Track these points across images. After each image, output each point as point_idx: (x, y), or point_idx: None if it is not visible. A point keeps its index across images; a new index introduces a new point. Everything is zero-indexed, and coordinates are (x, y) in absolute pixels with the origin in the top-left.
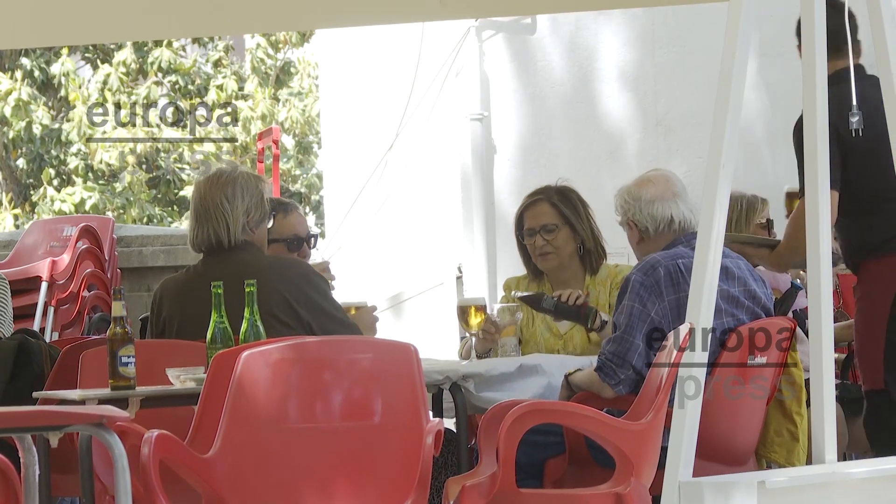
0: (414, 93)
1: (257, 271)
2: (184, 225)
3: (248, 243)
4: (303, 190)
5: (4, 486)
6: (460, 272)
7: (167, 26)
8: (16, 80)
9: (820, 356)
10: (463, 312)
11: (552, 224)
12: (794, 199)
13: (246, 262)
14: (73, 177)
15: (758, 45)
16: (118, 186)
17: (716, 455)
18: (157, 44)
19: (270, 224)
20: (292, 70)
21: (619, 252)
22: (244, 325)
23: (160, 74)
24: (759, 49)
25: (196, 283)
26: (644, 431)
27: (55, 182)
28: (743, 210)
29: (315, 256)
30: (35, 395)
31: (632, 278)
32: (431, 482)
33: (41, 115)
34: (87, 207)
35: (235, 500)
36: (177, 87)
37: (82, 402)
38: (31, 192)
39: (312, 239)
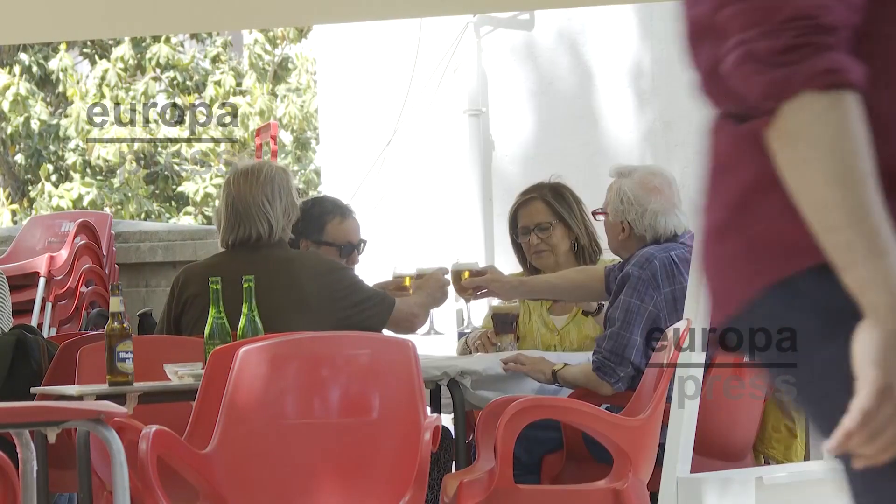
0: (412, 89)
1: (286, 266)
2: (182, 220)
3: (282, 240)
4: (301, 186)
5: (2, 482)
6: None
7: (165, 22)
8: (14, 76)
9: None
10: (458, 277)
11: (546, 222)
12: None
13: (275, 257)
14: (71, 172)
15: None
16: (116, 182)
17: (713, 451)
18: (156, 39)
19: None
20: (290, 66)
21: None
22: (242, 321)
23: (158, 70)
24: None
25: (224, 269)
26: (642, 427)
27: (53, 178)
28: None
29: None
30: (33, 390)
31: (630, 273)
32: (429, 478)
33: (39, 110)
34: (85, 203)
35: (233, 495)
36: (175, 82)
37: (80, 397)
38: (29, 188)
39: (362, 244)
